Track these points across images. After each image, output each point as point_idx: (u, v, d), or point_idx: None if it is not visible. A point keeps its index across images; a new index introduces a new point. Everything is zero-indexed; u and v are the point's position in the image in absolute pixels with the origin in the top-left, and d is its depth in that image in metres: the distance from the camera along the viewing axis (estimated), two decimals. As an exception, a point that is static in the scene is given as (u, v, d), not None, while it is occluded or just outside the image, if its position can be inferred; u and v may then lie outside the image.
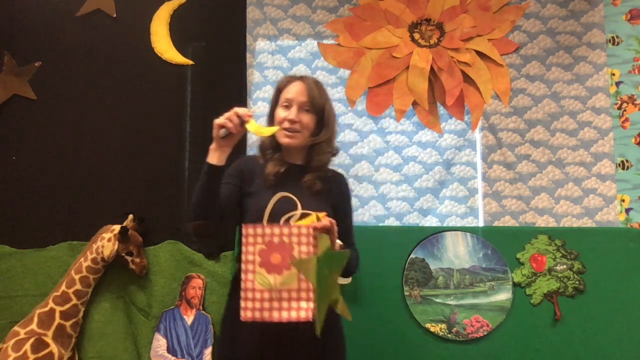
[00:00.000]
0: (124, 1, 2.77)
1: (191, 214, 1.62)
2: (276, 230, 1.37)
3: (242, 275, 1.36)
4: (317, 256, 1.32)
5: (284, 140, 1.73)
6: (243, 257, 1.38)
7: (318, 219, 1.44)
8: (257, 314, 1.34)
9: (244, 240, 1.38)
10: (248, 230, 1.38)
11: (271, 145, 1.76)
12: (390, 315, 2.42)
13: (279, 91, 1.78)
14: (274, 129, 1.67)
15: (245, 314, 1.35)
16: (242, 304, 1.35)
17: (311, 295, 1.32)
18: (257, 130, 1.62)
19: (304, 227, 1.36)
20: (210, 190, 1.59)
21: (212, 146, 1.61)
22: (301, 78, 1.77)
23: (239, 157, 1.76)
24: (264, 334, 1.56)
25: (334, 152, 1.82)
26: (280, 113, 1.73)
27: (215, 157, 1.60)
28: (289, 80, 1.78)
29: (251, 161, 1.79)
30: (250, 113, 1.60)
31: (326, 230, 1.44)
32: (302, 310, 1.32)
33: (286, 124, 1.71)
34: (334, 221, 1.48)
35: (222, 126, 1.58)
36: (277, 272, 1.34)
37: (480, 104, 2.76)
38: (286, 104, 1.72)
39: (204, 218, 1.61)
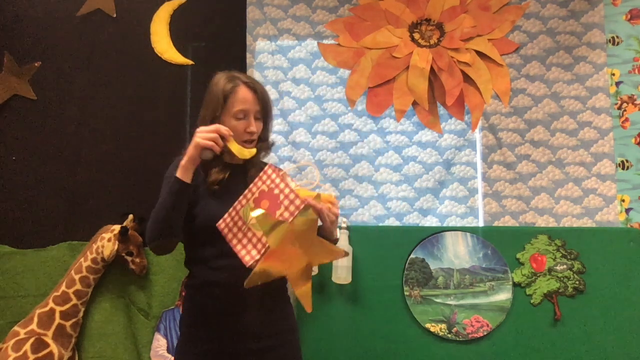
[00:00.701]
0: (124, 1, 2.77)
1: (155, 233, 1.52)
2: (282, 185, 1.44)
3: (240, 197, 1.48)
4: (288, 227, 1.39)
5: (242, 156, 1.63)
6: (250, 185, 1.48)
7: (322, 198, 1.48)
8: (225, 230, 1.48)
9: (260, 174, 1.49)
10: (267, 170, 1.49)
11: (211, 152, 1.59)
12: (390, 315, 2.42)
13: (225, 97, 1.63)
14: (253, 151, 1.61)
15: (220, 224, 1.49)
16: (225, 215, 1.48)
17: (263, 251, 1.39)
18: (240, 151, 1.58)
19: (299, 199, 1.41)
20: (179, 209, 1.52)
21: (186, 163, 1.51)
22: (246, 83, 1.65)
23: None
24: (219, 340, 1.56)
25: (271, 147, 1.77)
26: (234, 123, 1.62)
27: (188, 174, 1.51)
28: (235, 84, 1.64)
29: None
30: (232, 132, 1.56)
31: (317, 212, 1.44)
32: (248, 254, 1.41)
33: (245, 136, 1.63)
34: (332, 208, 1.47)
35: (206, 147, 1.49)
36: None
37: (480, 104, 2.76)
38: (241, 115, 1.62)
39: (171, 236, 1.55)
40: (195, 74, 2.75)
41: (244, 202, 1.48)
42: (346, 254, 1.53)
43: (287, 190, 1.43)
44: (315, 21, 2.85)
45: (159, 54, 2.73)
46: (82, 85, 2.71)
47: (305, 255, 1.44)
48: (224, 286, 1.54)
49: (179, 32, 2.75)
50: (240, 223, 1.46)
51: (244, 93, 1.64)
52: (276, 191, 1.45)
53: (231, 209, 1.49)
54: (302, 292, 1.45)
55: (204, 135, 1.50)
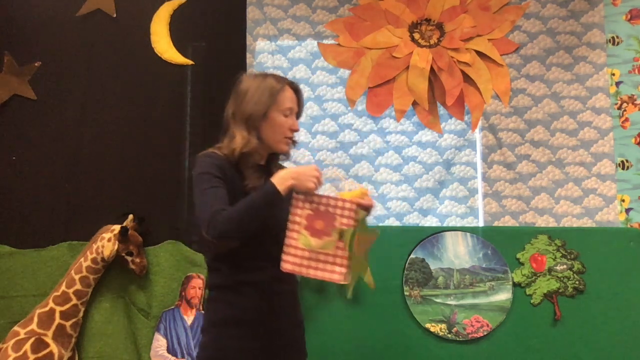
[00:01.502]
0: (124, 1, 2.77)
1: (233, 233, 1.51)
2: (324, 199, 1.50)
3: (287, 233, 1.50)
4: (355, 229, 1.47)
5: (284, 148, 1.71)
6: (291, 217, 1.51)
7: (362, 194, 1.54)
8: (296, 268, 1.49)
9: (294, 202, 1.51)
10: (299, 195, 1.51)
11: (255, 157, 1.66)
12: (390, 315, 2.42)
13: (274, 95, 1.67)
14: (364, 191, 1.60)
15: (286, 266, 1.49)
16: (284, 257, 1.49)
17: (345, 262, 1.47)
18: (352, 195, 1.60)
19: (348, 202, 1.48)
20: (264, 216, 1.55)
21: (290, 181, 1.51)
22: (291, 84, 1.72)
23: (208, 157, 1.62)
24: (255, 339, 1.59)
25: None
26: (282, 119, 1.68)
27: (286, 188, 1.51)
28: (284, 83, 1.71)
29: (220, 164, 1.61)
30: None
31: (366, 207, 1.53)
32: (335, 273, 1.47)
33: (289, 133, 1.69)
34: (373, 202, 1.58)
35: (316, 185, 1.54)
36: (318, 237, 1.49)
37: (480, 104, 2.76)
38: (288, 113, 1.68)
39: (243, 237, 1.54)
40: (195, 74, 2.75)
41: (295, 235, 1.51)
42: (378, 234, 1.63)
43: (332, 202, 1.50)
44: (315, 21, 2.85)
45: (159, 54, 2.73)
46: (82, 85, 2.70)
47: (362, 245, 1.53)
48: (257, 285, 1.59)
49: (179, 32, 2.75)
50: (307, 254, 1.49)
51: (290, 93, 1.70)
52: (322, 208, 1.51)
53: (284, 248, 1.49)
54: (368, 277, 1.59)
55: (314, 179, 1.53)
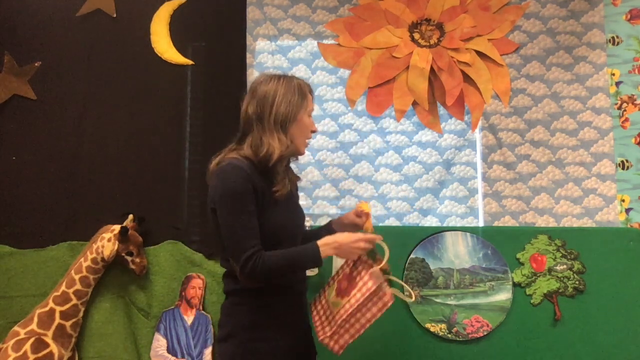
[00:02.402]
0: (124, 1, 2.77)
1: (267, 278, 1.54)
2: (359, 268, 1.62)
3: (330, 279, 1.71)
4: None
5: (304, 150, 1.73)
6: (338, 271, 1.69)
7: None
8: (312, 307, 1.68)
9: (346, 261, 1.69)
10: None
11: (281, 164, 1.66)
12: (390, 315, 2.40)
13: (304, 96, 1.68)
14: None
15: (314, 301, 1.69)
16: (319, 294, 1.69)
17: (334, 328, 1.58)
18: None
19: (372, 282, 1.57)
20: (298, 272, 1.67)
21: (332, 252, 1.57)
22: (308, 83, 1.77)
23: (237, 169, 1.57)
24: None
25: None
26: (308, 120, 1.70)
27: (327, 256, 1.58)
28: (305, 84, 1.72)
29: (251, 176, 1.59)
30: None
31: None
32: (322, 331, 1.64)
33: (310, 135, 1.72)
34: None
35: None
36: (339, 295, 1.62)
37: (480, 104, 2.76)
38: (311, 114, 1.71)
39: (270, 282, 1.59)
40: (195, 74, 2.75)
41: (331, 283, 1.69)
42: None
43: (360, 275, 1.60)
44: (315, 21, 2.85)
45: (159, 54, 2.73)
46: (82, 85, 2.70)
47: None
48: (284, 288, 1.63)
49: (179, 32, 2.75)
50: (323, 301, 1.64)
51: (310, 92, 1.74)
52: (354, 273, 1.63)
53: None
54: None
55: (357, 252, 1.59)
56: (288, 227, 1.65)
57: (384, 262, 1.59)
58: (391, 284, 1.62)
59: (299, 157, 1.78)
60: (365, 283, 1.56)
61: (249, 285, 1.58)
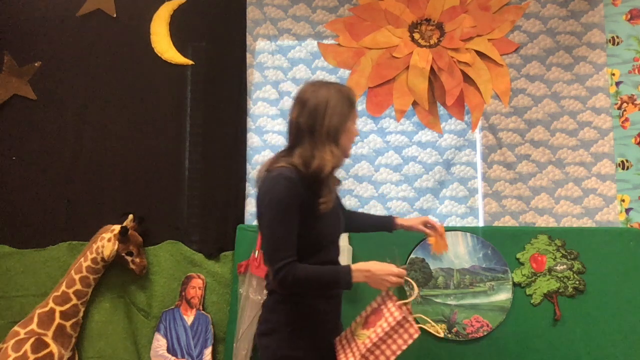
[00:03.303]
0: (124, 1, 2.77)
1: (296, 290, 1.60)
2: (389, 305, 1.65)
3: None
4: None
5: (349, 155, 1.77)
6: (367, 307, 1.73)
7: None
8: (337, 341, 1.70)
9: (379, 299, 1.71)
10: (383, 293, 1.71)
11: (331, 176, 1.69)
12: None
13: (352, 106, 1.70)
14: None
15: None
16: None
17: (357, 357, 1.61)
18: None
19: (398, 317, 1.61)
20: (327, 290, 1.70)
21: (363, 279, 1.61)
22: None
23: (288, 181, 1.58)
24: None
25: None
26: (354, 129, 1.73)
27: (358, 282, 1.61)
28: (351, 91, 1.75)
29: (299, 187, 1.60)
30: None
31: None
32: (345, 357, 1.65)
33: (355, 140, 1.77)
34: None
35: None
36: (365, 326, 1.67)
37: (480, 104, 2.76)
38: (356, 121, 1.75)
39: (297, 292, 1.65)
40: (195, 74, 2.75)
41: (363, 313, 1.72)
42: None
43: (390, 312, 1.63)
44: (315, 21, 2.85)
45: (159, 54, 2.73)
46: (82, 85, 2.71)
47: None
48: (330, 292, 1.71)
49: (179, 32, 2.75)
50: (349, 335, 1.68)
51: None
52: (383, 308, 1.66)
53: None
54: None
55: (387, 284, 1.63)
56: (329, 234, 1.70)
57: (414, 295, 1.66)
58: (416, 320, 1.66)
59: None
60: (392, 313, 1.61)
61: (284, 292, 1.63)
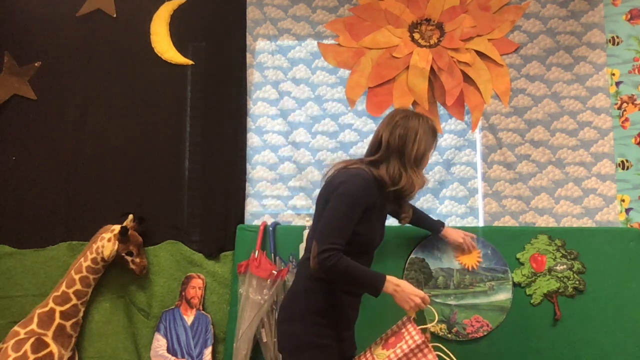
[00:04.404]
0: (124, 1, 2.77)
1: (328, 276, 1.70)
2: (409, 329, 1.75)
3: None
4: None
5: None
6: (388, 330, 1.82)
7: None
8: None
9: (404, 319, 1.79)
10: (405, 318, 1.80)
11: (392, 186, 1.81)
12: (390, 315, 2.41)
13: (435, 137, 1.90)
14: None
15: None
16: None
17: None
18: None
19: (415, 344, 1.71)
20: (357, 288, 1.81)
21: (391, 292, 1.72)
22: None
23: (364, 180, 1.75)
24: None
25: None
26: (429, 157, 1.90)
27: (386, 292, 1.72)
28: (434, 124, 1.92)
29: (373, 192, 1.78)
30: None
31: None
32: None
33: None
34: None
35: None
36: (385, 346, 1.76)
37: (480, 104, 2.76)
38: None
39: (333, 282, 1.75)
40: (195, 74, 2.75)
41: (378, 340, 1.80)
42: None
43: (410, 335, 1.72)
44: (315, 21, 2.85)
45: (159, 54, 2.73)
46: (82, 85, 2.71)
47: None
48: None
49: (179, 32, 2.75)
50: (368, 355, 1.76)
51: None
52: (403, 330, 1.76)
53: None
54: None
55: (411, 304, 1.73)
56: (376, 241, 1.87)
57: (433, 323, 1.77)
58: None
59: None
60: (412, 337, 1.69)
61: (317, 273, 1.72)
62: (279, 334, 1.80)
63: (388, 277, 1.71)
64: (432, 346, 1.70)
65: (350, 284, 1.75)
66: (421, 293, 1.72)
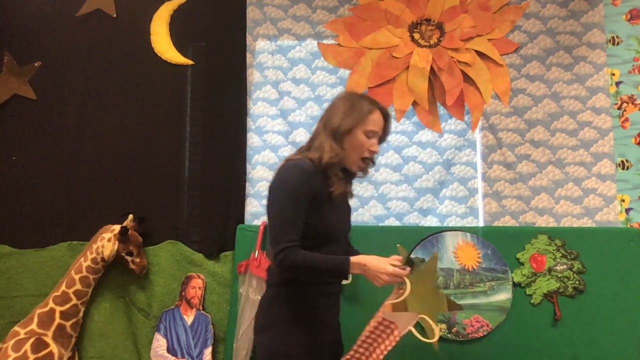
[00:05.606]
0: (124, 1, 2.77)
1: (294, 272, 1.64)
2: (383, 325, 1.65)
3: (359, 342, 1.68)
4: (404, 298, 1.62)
5: (355, 168, 1.79)
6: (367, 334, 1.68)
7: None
8: None
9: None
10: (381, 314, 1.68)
11: (339, 167, 1.75)
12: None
13: (363, 115, 1.76)
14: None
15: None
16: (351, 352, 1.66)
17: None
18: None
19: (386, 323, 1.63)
20: (325, 278, 1.72)
21: (360, 272, 1.64)
22: (382, 109, 1.81)
23: (299, 167, 1.67)
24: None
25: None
26: (363, 139, 1.75)
27: (355, 273, 1.66)
28: (374, 107, 1.79)
29: (313, 176, 1.69)
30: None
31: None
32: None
33: (367, 154, 1.77)
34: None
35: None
36: None
37: (480, 104, 2.76)
38: (370, 135, 1.77)
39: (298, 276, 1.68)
40: (195, 74, 2.75)
41: (363, 347, 1.67)
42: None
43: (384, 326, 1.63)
44: (315, 21, 2.85)
45: (159, 54, 2.73)
46: (82, 85, 2.71)
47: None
48: (321, 285, 1.72)
49: (179, 32, 2.75)
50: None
51: (379, 117, 1.79)
52: (381, 318, 1.66)
53: (351, 353, 1.65)
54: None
55: (380, 281, 1.63)
56: (336, 230, 1.76)
57: (403, 297, 1.62)
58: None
59: (366, 175, 1.88)
60: (377, 316, 1.64)
61: (284, 275, 1.67)
62: (254, 345, 1.77)
63: (353, 259, 1.63)
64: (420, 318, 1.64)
65: (317, 275, 1.67)
66: (389, 269, 1.60)
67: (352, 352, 1.61)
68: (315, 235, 1.66)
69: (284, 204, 1.64)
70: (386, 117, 1.81)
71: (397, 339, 1.59)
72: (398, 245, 1.70)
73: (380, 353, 1.60)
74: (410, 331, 1.60)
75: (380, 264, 1.62)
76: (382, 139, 1.83)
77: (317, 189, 1.67)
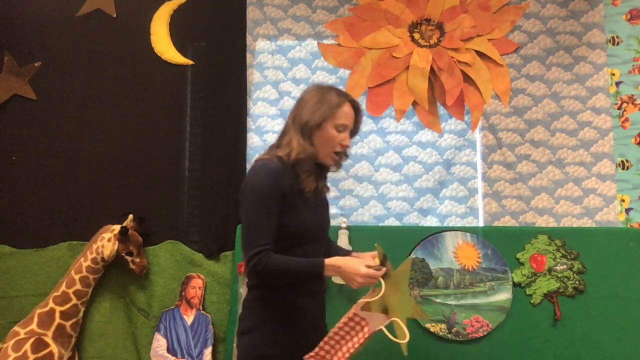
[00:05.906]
0: (124, 1, 2.77)
1: (268, 279, 1.60)
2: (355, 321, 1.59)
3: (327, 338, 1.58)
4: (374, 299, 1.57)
5: (329, 161, 1.73)
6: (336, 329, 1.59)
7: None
8: None
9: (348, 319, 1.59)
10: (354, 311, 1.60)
11: (311, 162, 1.69)
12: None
13: (333, 109, 1.70)
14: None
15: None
16: (317, 349, 1.57)
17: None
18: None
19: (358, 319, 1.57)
20: (300, 281, 1.65)
21: (335, 274, 1.60)
22: (352, 101, 1.75)
23: (267, 167, 1.62)
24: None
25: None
26: (334, 133, 1.69)
27: (330, 276, 1.63)
28: (344, 99, 1.72)
29: (282, 175, 1.63)
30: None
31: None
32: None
33: (339, 148, 1.72)
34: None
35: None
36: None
37: (480, 104, 2.76)
38: (341, 128, 1.71)
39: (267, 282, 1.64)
40: (195, 74, 2.75)
41: (331, 342, 1.59)
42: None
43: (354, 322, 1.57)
44: (315, 21, 2.85)
45: (159, 54, 2.73)
46: (82, 85, 2.71)
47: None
48: (310, 287, 1.67)
49: (179, 32, 2.75)
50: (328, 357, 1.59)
51: (349, 109, 1.72)
52: (354, 314, 1.59)
53: (320, 346, 1.57)
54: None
55: (355, 283, 1.58)
56: (312, 229, 1.70)
57: (377, 297, 1.58)
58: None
59: (339, 169, 1.82)
60: (350, 312, 1.58)
61: (258, 280, 1.63)
62: (237, 348, 1.71)
63: (327, 261, 1.57)
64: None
65: (291, 279, 1.61)
66: (362, 271, 1.54)
67: (317, 349, 1.56)
68: (290, 235, 1.61)
69: (253, 208, 1.59)
70: (357, 110, 1.75)
71: (367, 335, 1.56)
72: (376, 244, 1.64)
73: (347, 351, 1.56)
74: (381, 330, 1.57)
75: (355, 266, 1.57)
76: (353, 132, 1.77)
77: (286, 187, 1.62)
